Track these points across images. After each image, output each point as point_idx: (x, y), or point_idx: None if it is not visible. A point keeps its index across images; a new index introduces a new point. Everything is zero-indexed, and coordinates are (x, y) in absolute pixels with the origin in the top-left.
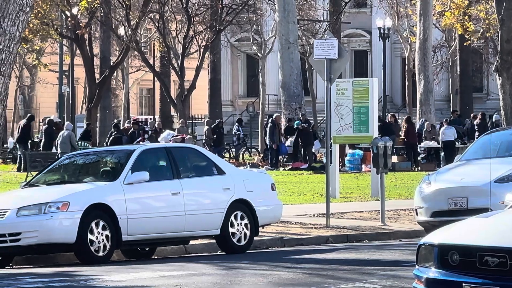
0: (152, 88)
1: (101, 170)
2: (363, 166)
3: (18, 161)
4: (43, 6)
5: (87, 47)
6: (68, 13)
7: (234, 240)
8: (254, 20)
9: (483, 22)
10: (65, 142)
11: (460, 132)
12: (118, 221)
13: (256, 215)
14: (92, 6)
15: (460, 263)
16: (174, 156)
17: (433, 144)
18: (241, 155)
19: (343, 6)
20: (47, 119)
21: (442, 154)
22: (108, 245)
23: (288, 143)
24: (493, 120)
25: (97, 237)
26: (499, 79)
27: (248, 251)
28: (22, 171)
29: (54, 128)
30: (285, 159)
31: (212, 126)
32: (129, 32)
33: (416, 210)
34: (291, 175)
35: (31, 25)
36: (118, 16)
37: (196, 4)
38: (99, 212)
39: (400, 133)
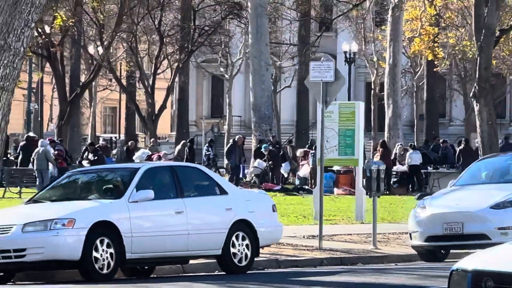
0: (116, 107)
1: (106, 187)
2: (335, 189)
3: None
4: None
5: (59, 65)
6: (40, 31)
7: (235, 261)
8: (224, 42)
9: (452, 49)
10: (42, 159)
11: (432, 158)
12: (122, 239)
13: (257, 236)
14: (66, 25)
15: None
16: (178, 175)
17: (404, 168)
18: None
19: (322, 31)
20: (25, 135)
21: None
22: (112, 263)
23: (256, 164)
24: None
25: (101, 255)
26: (477, 105)
27: (248, 272)
28: None
29: (32, 145)
30: (253, 181)
31: (182, 145)
32: (101, 51)
33: (410, 234)
34: None
35: None
36: (90, 35)
37: (168, 25)
38: (104, 229)
39: (376, 156)
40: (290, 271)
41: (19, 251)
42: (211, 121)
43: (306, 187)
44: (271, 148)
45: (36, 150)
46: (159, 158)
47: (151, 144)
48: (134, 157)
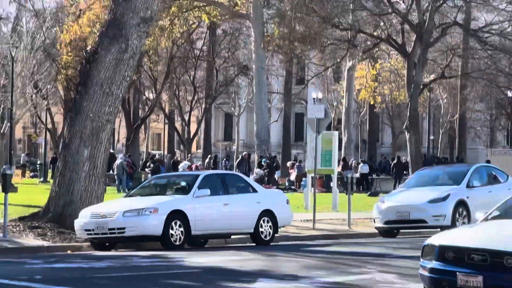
0: (160, 133)
1: (178, 187)
2: (312, 188)
3: None
4: None
5: (127, 104)
6: None
7: (262, 236)
8: (235, 92)
9: (386, 97)
10: (119, 168)
11: (374, 168)
12: (189, 221)
13: (276, 220)
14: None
15: (454, 258)
16: (225, 179)
17: (357, 175)
18: None
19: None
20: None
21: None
22: (182, 237)
23: (256, 171)
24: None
25: (175, 232)
26: (407, 134)
27: (271, 244)
28: None
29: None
30: None
31: (209, 159)
32: (153, 96)
33: (374, 220)
34: None
35: None
36: (147, 85)
37: (199, 79)
38: (177, 215)
39: (338, 168)
40: (297, 243)
41: (121, 229)
42: (224, 143)
43: (293, 187)
44: (268, 161)
45: (116, 162)
46: (196, 167)
47: (189, 158)
48: (179, 167)
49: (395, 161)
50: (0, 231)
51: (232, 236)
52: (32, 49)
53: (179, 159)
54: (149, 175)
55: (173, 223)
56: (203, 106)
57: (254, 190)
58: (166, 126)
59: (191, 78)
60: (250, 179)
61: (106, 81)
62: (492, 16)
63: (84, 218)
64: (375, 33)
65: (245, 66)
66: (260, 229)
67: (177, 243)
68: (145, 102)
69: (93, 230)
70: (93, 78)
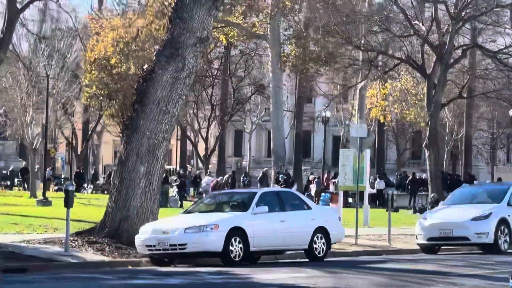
0: (170, 149)
1: (235, 204)
2: (331, 204)
3: None
4: None
5: None
6: None
7: (316, 253)
8: (249, 109)
9: (398, 115)
10: None
11: (390, 184)
12: (248, 238)
13: (329, 237)
14: None
15: None
16: (281, 196)
17: (374, 191)
18: None
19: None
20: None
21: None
22: (241, 254)
23: (277, 187)
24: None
25: (235, 248)
26: (427, 152)
27: (324, 260)
28: None
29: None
30: None
31: (229, 175)
32: None
33: (416, 236)
34: None
35: None
36: None
37: (216, 98)
38: (236, 231)
39: None
40: (347, 260)
41: (182, 245)
42: (234, 158)
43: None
44: (285, 177)
45: None
46: (217, 182)
47: (209, 173)
48: (203, 182)
49: (410, 178)
50: (60, 245)
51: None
52: (63, 67)
53: (199, 175)
54: (175, 190)
55: (233, 240)
56: (220, 123)
57: (308, 207)
58: (178, 142)
59: (209, 96)
60: (304, 196)
61: (163, 100)
62: (508, 40)
63: (144, 234)
64: (396, 54)
65: (261, 85)
66: (314, 246)
67: (237, 259)
68: None
69: (154, 246)
70: (149, 96)
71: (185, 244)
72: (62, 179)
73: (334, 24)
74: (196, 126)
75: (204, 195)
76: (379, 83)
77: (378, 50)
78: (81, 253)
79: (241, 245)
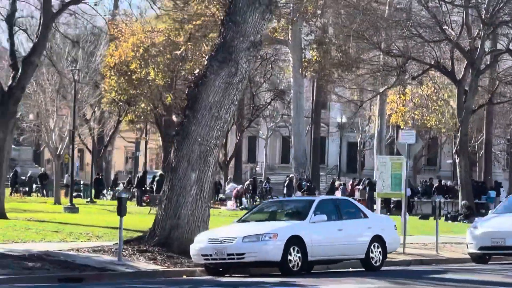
0: None
1: (292, 212)
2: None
3: (136, 199)
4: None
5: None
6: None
7: (372, 262)
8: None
9: (419, 121)
10: None
11: (416, 191)
12: (306, 247)
13: (385, 246)
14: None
15: None
16: (338, 205)
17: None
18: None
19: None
20: (159, 173)
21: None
22: (299, 263)
23: (297, 194)
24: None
25: (293, 258)
26: (457, 159)
27: (381, 269)
28: (138, 205)
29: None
30: None
31: (250, 181)
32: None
33: (467, 245)
34: None
35: None
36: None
37: None
38: (295, 241)
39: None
40: (402, 269)
41: (240, 255)
42: (249, 164)
43: None
44: (308, 184)
45: None
46: (238, 191)
47: (230, 180)
48: (227, 188)
49: (436, 184)
50: (110, 254)
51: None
52: (88, 72)
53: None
54: None
55: (291, 249)
56: (239, 129)
57: (365, 215)
58: None
59: None
60: (360, 204)
61: (215, 105)
62: None
63: (200, 243)
64: (425, 60)
65: (282, 90)
66: (371, 255)
67: (295, 269)
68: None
69: (210, 255)
70: (201, 101)
71: (243, 254)
72: (82, 185)
73: (365, 29)
74: None
75: (227, 201)
76: (399, 89)
77: (408, 56)
78: (133, 262)
79: (299, 255)
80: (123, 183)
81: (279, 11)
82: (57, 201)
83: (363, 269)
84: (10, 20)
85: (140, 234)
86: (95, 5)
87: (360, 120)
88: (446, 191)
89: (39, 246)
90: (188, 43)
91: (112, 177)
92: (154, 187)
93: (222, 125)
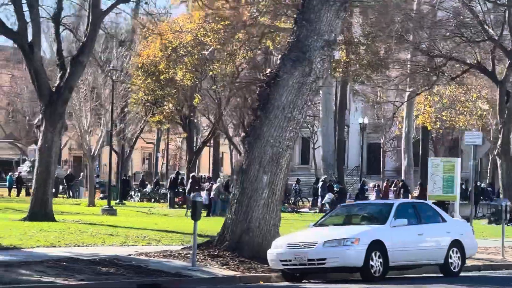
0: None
1: (371, 216)
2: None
3: (168, 201)
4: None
5: (189, 128)
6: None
7: (451, 268)
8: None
9: (447, 122)
10: (216, 191)
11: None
12: (387, 252)
13: (464, 251)
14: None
15: None
16: (417, 208)
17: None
18: (297, 203)
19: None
20: (191, 174)
21: None
22: (381, 269)
23: (328, 196)
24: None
25: (375, 263)
26: (499, 160)
27: (460, 275)
28: (170, 207)
29: (196, 181)
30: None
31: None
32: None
33: None
34: None
35: None
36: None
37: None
38: (376, 245)
39: (414, 193)
40: (479, 275)
41: (321, 260)
42: None
43: None
44: (340, 186)
45: (215, 185)
46: None
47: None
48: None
49: (473, 186)
50: (180, 259)
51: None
52: (122, 72)
53: None
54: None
55: (373, 254)
56: None
57: (443, 219)
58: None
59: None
60: (438, 208)
61: (288, 106)
62: None
63: (279, 248)
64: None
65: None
66: (450, 260)
67: (376, 274)
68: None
69: (290, 260)
70: (274, 102)
71: (325, 259)
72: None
73: (404, 30)
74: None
75: None
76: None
77: (449, 56)
78: (207, 268)
79: (380, 260)
80: (155, 183)
81: None
82: (91, 203)
83: (440, 275)
84: (57, 18)
85: (207, 238)
86: (146, 3)
87: (383, 121)
88: (481, 193)
89: (104, 250)
90: (216, 43)
91: (143, 178)
92: (187, 188)
93: (295, 126)
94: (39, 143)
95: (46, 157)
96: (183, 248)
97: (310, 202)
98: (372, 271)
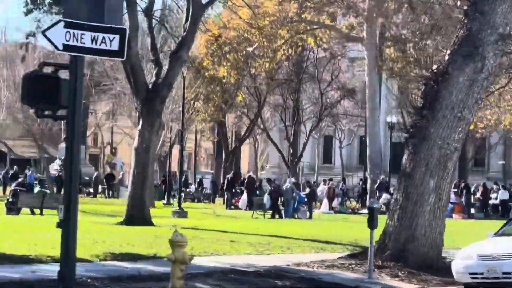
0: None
1: None
2: (453, 215)
3: (225, 202)
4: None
5: (226, 129)
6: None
7: None
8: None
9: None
10: (289, 192)
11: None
12: None
13: None
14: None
15: None
16: None
17: (497, 201)
18: (344, 204)
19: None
20: (248, 175)
21: None
22: None
23: (384, 196)
24: None
25: None
26: None
27: None
28: (227, 208)
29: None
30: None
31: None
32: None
33: None
34: None
35: None
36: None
37: (304, 103)
38: None
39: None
40: None
41: None
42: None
43: None
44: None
45: (285, 185)
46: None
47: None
48: (318, 190)
49: None
50: (343, 270)
51: None
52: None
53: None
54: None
55: None
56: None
57: None
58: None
59: (293, 101)
60: None
61: (458, 105)
62: None
63: (467, 259)
64: None
65: (352, 89)
66: None
67: None
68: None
69: (481, 273)
70: (442, 100)
71: None
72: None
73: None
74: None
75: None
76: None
77: None
78: (382, 280)
79: None
80: (198, 183)
81: (356, 7)
82: (152, 204)
83: None
84: (149, 12)
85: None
86: None
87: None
88: None
89: (247, 259)
90: (263, 40)
91: (187, 177)
92: (244, 189)
93: (464, 127)
94: (135, 143)
95: (144, 158)
96: (339, 257)
97: (359, 203)
98: None
